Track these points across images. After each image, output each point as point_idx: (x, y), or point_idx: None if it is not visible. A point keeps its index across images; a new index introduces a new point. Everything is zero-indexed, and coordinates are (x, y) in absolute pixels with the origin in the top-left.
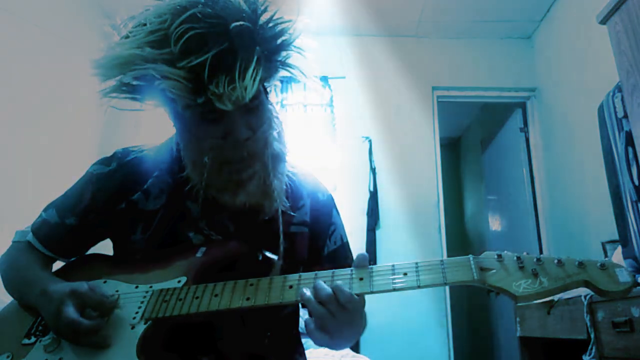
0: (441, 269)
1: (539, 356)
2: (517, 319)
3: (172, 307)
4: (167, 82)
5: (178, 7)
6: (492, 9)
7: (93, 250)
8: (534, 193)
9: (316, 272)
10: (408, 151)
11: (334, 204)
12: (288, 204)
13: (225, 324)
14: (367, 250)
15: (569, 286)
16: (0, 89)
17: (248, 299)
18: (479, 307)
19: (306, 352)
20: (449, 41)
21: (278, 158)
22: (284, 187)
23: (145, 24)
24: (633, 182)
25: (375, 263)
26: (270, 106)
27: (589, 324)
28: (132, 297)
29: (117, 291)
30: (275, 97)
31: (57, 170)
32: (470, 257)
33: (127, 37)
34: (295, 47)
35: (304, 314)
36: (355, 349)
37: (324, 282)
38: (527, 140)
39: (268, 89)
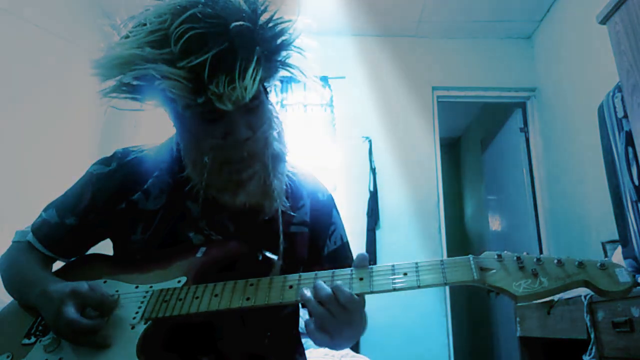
0: (441, 269)
1: (539, 356)
2: (517, 319)
3: (172, 307)
4: (167, 82)
5: (178, 7)
6: (492, 9)
7: (93, 250)
8: (534, 193)
9: (316, 272)
10: (408, 151)
11: (334, 204)
12: (288, 204)
13: (225, 324)
14: (367, 250)
15: (569, 286)
16: (1, 89)
17: (248, 299)
18: (479, 307)
19: (306, 352)
20: (449, 41)
21: (278, 158)
22: (284, 187)
23: (145, 24)
24: (633, 182)
25: (375, 263)
26: (270, 106)
27: (589, 324)
28: (132, 297)
29: (117, 291)
30: (275, 97)
31: (57, 170)
32: (470, 257)
33: (127, 37)
34: (295, 47)
35: (304, 314)
36: (355, 349)
37: (324, 282)
38: (527, 140)
39: (268, 89)
